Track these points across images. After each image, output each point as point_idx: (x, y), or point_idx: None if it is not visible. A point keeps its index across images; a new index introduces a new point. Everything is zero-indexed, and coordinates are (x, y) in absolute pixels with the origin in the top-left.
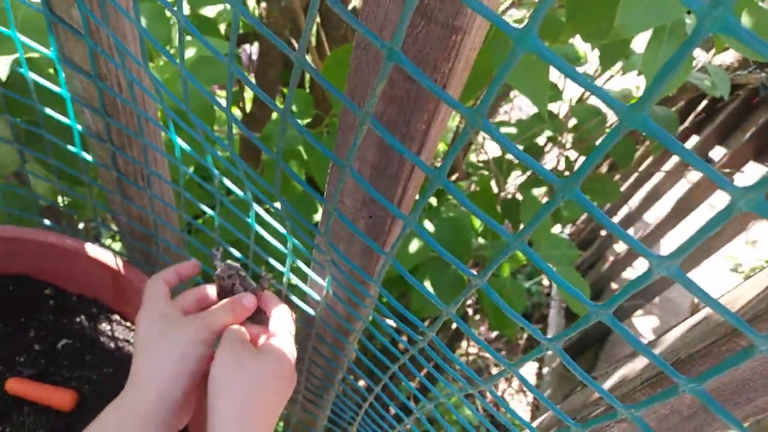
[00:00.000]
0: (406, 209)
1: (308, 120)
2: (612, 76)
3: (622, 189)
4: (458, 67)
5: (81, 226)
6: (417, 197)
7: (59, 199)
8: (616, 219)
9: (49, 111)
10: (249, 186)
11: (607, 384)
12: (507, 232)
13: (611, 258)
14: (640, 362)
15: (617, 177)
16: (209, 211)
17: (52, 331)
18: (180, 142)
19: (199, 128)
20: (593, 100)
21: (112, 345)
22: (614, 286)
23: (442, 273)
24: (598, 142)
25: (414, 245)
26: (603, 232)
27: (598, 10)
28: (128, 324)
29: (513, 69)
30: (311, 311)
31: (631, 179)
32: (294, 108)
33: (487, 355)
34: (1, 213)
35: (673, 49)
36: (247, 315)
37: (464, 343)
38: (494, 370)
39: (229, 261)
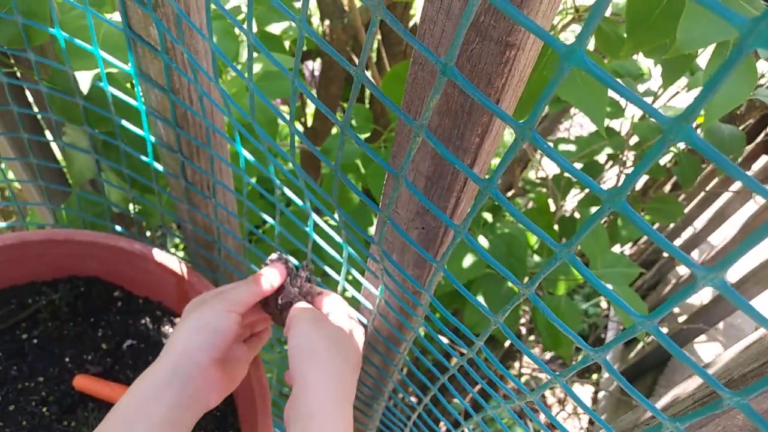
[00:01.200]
0: (458, 221)
1: (367, 134)
2: (677, 93)
3: (687, 209)
4: (512, 82)
5: (148, 234)
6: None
7: (130, 206)
8: (679, 240)
9: (125, 123)
10: (308, 196)
11: (659, 403)
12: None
13: (673, 280)
14: (693, 382)
15: (682, 197)
16: (270, 220)
17: (119, 331)
18: (245, 152)
19: (263, 140)
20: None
21: None
22: (676, 310)
23: (496, 289)
24: (658, 160)
25: (468, 260)
26: (665, 254)
27: (660, 24)
28: None
29: (571, 85)
30: (365, 320)
31: (697, 199)
32: (353, 122)
33: (542, 375)
34: (77, 219)
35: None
36: (270, 288)
37: (517, 364)
38: (547, 393)
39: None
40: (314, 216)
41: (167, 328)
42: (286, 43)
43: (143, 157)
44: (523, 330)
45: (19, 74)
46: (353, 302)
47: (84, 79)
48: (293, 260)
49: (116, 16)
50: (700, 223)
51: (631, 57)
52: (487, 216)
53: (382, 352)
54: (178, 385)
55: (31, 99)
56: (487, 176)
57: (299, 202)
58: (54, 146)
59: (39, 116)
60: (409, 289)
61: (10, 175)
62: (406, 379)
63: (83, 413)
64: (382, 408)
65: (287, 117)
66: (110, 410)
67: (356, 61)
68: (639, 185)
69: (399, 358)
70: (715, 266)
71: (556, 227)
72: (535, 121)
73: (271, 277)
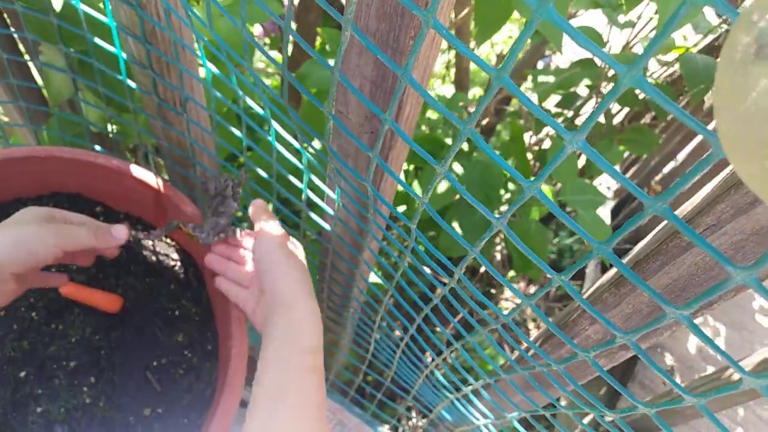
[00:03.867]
0: (404, 124)
1: None
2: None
3: (671, 144)
4: None
5: (129, 156)
6: (418, 116)
7: (108, 126)
8: (660, 175)
9: (98, 41)
10: (266, 103)
11: (586, 294)
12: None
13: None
14: (611, 272)
15: (663, 133)
16: (238, 133)
17: None
18: (210, 66)
19: (240, 62)
20: (637, 50)
21: (153, 258)
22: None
23: (470, 216)
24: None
25: (442, 186)
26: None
27: None
28: (167, 241)
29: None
30: (327, 226)
31: (681, 135)
32: (327, 47)
33: (527, 310)
34: (58, 139)
35: None
36: (109, 244)
37: (498, 294)
38: (531, 325)
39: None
40: (274, 123)
41: (147, 241)
42: None
43: (117, 75)
44: (498, 256)
45: None
46: (317, 211)
47: None
48: (263, 174)
49: None
50: (682, 156)
51: None
52: (464, 145)
53: (346, 259)
54: None
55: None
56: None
57: (275, 127)
58: (33, 68)
59: (16, 36)
60: (365, 193)
61: None
62: (393, 309)
63: (70, 317)
64: (351, 315)
65: (262, 45)
66: None
67: None
68: (618, 118)
69: (363, 265)
70: (660, 196)
71: (530, 156)
72: (508, 68)
73: (114, 233)
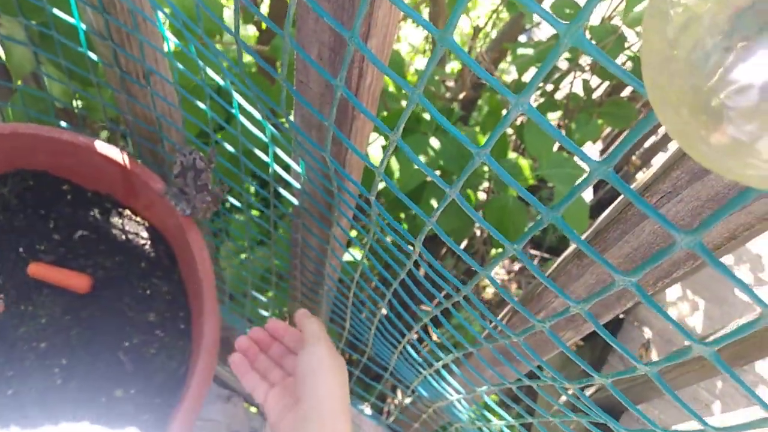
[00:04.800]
0: (365, 94)
1: None
2: None
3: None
4: None
5: (103, 136)
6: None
7: (73, 101)
8: (642, 148)
9: (56, 12)
10: (232, 78)
11: (552, 267)
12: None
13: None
14: (573, 245)
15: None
16: (202, 106)
17: (70, 222)
18: (170, 35)
19: (204, 38)
20: (616, 21)
21: (123, 237)
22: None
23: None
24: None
25: (421, 159)
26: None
27: None
28: (137, 219)
29: None
30: (295, 201)
31: None
32: None
33: (512, 285)
34: (22, 115)
35: None
36: None
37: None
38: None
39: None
40: (237, 96)
41: (116, 219)
42: None
43: (78, 48)
44: (479, 232)
45: None
46: (282, 183)
47: None
48: (230, 148)
49: None
50: (663, 129)
51: None
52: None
53: (317, 234)
54: None
55: None
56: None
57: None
58: None
59: None
60: (329, 166)
61: None
62: (365, 286)
63: (38, 298)
64: (326, 292)
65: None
66: None
67: None
68: (599, 92)
69: (332, 240)
70: (604, 160)
71: (510, 131)
72: (451, 30)
73: None
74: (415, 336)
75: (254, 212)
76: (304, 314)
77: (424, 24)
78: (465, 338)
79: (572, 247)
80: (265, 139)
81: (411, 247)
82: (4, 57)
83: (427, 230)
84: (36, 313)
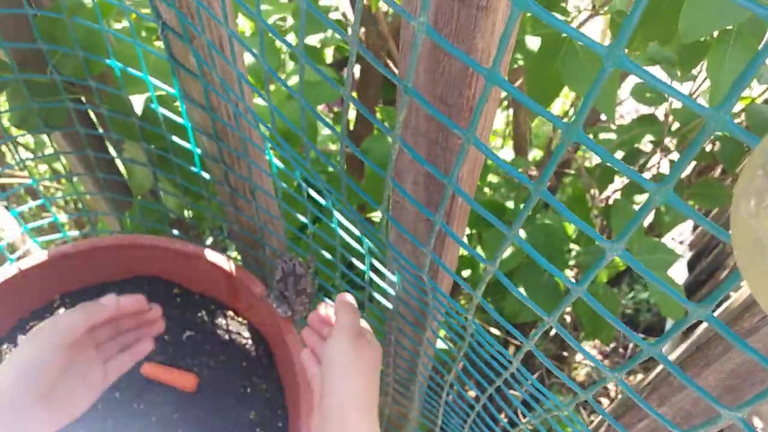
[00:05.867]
0: (458, 212)
1: None
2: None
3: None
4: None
5: (210, 240)
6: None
7: (185, 212)
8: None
9: (175, 138)
10: (341, 197)
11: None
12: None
13: (731, 264)
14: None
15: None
16: (304, 220)
17: (179, 323)
18: (276, 161)
19: (306, 146)
20: (700, 102)
21: (227, 336)
22: (733, 295)
23: (536, 278)
24: (699, 148)
25: (507, 251)
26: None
27: (668, 15)
28: (240, 319)
29: (579, 78)
30: (389, 305)
31: None
32: (386, 124)
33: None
34: (139, 225)
35: (740, 52)
36: (104, 313)
37: (575, 356)
38: (610, 386)
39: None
40: (336, 214)
41: (220, 320)
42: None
43: (192, 168)
44: (568, 318)
45: (83, 100)
46: (378, 289)
47: (137, 102)
48: (328, 255)
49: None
50: None
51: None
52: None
53: (409, 336)
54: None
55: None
56: (529, 173)
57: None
58: (118, 162)
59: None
60: (419, 276)
61: (81, 189)
62: (461, 375)
63: (150, 397)
64: (418, 389)
65: (326, 123)
66: None
67: (391, 66)
68: (686, 171)
69: (425, 343)
70: (702, 303)
71: (594, 215)
72: (580, 122)
73: (104, 303)
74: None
75: None
76: (341, 301)
77: (551, 118)
78: None
79: (677, 354)
80: (362, 251)
81: (508, 363)
82: (126, 176)
83: (545, 328)
84: (147, 412)
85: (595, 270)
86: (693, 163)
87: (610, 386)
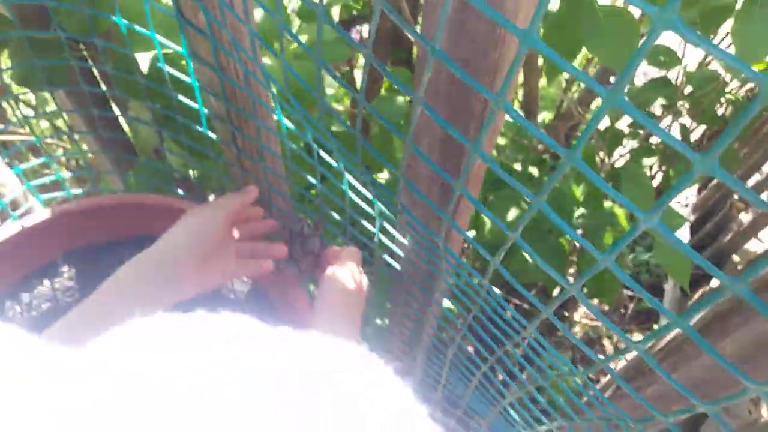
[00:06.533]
0: (473, 175)
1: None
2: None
3: (755, 156)
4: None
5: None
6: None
7: (190, 172)
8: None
9: (181, 98)
10: (353, 158)
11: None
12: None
13: (735, 228)
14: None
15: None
16: (313, 181)
17: None
18: (285, 121)
19: (319, 104)
20: (714, 66)
21: (231, 295)
22: (735, 258)
23: (540, 242)
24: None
25: (512, 213)
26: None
27: None
28: (245, 279)
29: (599, 41)
30: (398, 267)
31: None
32: (395, 86)
33: (599, 324)
34: (144, 185)
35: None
36: (252, 196)
37: (575, 315)
38: (605, 341)
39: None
40: (347, 175)
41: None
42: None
43: (198, 128)
44: (571, 280)
45: (87, 57)
46: (387, 251)
47: (144, 60)
48: (336, 216)
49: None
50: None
51: None
52: (533, 170)
53: (417, 297)
54: (161, 272)
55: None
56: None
57: (336, 164)
58: (122, 121)
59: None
60: (433, 241)
61: (84, 147)
62: (467, 334)
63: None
64: (424, 349)
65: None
66: (97, 288)
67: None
68: (696, 135)
69: (434, 305)
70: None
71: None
72: (622, 88)
73: (250, 190)
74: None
75: None
76: (349, 249)
77: (592, 84)
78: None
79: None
80: (373, 213)
81: (522, 328)
82: (130, 135)
83: (567, 296)
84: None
85: (625, 241)
86: (703, 127)
87: (607, 344)
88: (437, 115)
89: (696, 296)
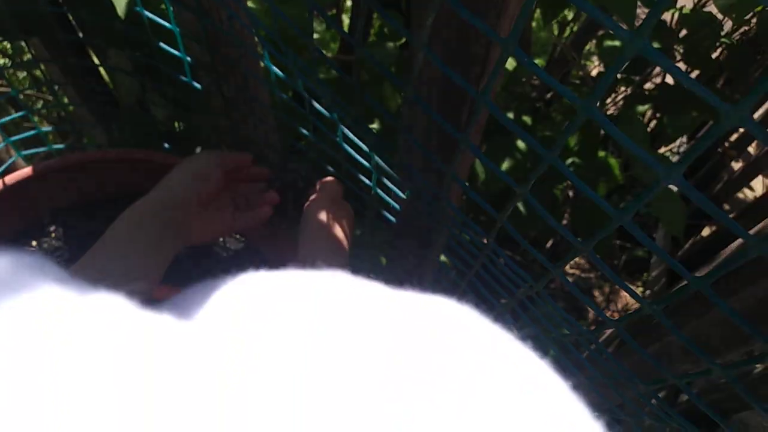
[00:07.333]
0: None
1: (401, 41)
2: None
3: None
4: None
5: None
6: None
7: (176, 125)
8: (736, 134)
9: (162, 45)
10: (347, 107)
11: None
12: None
13: (725, 177)
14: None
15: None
16: (305, 132)
17: None
18: (274, 68)
19: (290, 55)
20: (710, 9)
21: (224, 254)
22: (726, 207)
23: (535, 194)
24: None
25: (506, 164)
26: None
27: None
28: (237, 236)
29: None
30: (393, 219)
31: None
32: (386, 30)
33: (591, 275)
34: (129, 139)
35: None
36: (246, 159)
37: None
38: (596, 293)
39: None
40: (342, 127)
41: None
42: None
43: (183, 77)
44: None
45: (62, 2)
46: (383, 205)
47: (121, 4)
48: (331, 170)
49: None
50: (759, 113)
51: None
52: (527, 119)
53: (414, 251)
54: (163, 215)
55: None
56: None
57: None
58: (103, 71)
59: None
60: (430, 194)
61: (65, 100)
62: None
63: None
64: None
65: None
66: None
67: None
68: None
69: (431, 257)
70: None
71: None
72: (647, 31)
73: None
74: None
75: None
76: (325, 179)
77: (615, 27)
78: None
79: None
80: (369, 166)
81: (526, 284)
82: (111, 85)
83: (580, 254)
84: None
85: (643, 200)
86: (696, 72)
87: (597, 294)
88: (442, 63)
89: (686, 245)
